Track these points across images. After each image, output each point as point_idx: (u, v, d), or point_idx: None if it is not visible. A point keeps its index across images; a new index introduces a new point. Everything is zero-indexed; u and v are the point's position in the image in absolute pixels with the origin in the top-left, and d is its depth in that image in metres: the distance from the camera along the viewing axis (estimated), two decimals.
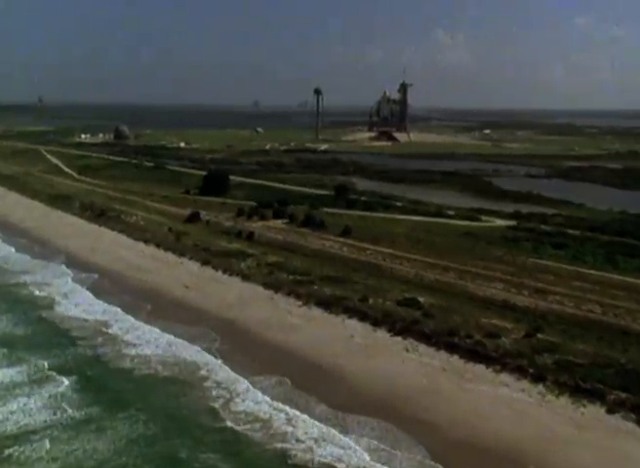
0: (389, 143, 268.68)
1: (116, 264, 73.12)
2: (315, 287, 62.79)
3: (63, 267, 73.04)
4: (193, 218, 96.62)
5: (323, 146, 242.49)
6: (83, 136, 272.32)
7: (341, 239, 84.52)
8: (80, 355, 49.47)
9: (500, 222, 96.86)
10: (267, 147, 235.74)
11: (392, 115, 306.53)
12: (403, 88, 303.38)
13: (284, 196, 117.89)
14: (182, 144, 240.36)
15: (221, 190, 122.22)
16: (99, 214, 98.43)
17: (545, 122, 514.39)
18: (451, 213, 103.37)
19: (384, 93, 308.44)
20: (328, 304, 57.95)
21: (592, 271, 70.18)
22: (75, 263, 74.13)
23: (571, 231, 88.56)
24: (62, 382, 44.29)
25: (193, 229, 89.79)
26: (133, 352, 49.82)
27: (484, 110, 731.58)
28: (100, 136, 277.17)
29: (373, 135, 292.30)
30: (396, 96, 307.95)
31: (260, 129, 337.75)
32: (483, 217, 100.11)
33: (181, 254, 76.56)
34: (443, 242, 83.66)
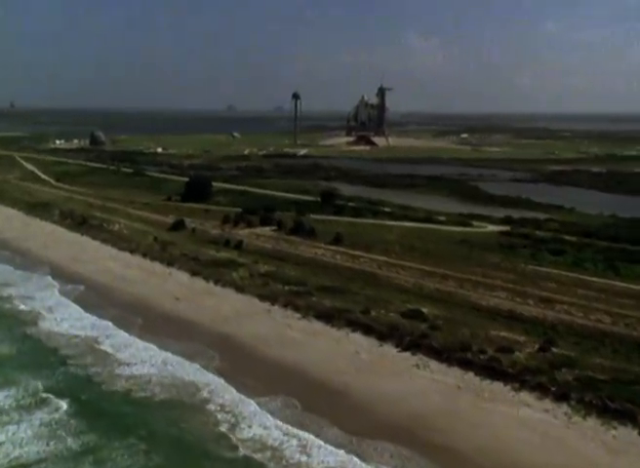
0: (368, 148, 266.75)
1: (102, 275, 69.99)
2: (314, 298, 60.21)
3: (49, 278, 69.73)
4: (178, 226, 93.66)
5: (302, 151, 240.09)
6: (58, 141, 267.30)
7: (333, 247, 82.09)
8: (71, 376, 46.34)
9: (492, 228, 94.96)
10: (246, 152, 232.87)
11: (370, 120, 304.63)
12: (381, 92, 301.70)
13: (268, 202, 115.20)
14: (160, 150, 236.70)
15: (204, 196, 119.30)
16: (80, 223, 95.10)
17: (521, 126, 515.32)
18: (441, 218, 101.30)
19: (362, 97, 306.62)
20: (329, 317, 55.38)
21: (595, 278, 68.44)
22: (60, 275, 70.89)
23: (567, 237, 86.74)
24: (54, 407, 41.20)
25: (179, 238, 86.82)
26: (127, 372, 46.81)
27: (458, 114, 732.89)
28: (76, 141, 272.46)
29: (351, 139, 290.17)
30: (374, 100, 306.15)
31: (236, 134, 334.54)
32: (474, 223, 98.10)
33: (169, 265, 73.64)
34: (437, 249, 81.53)
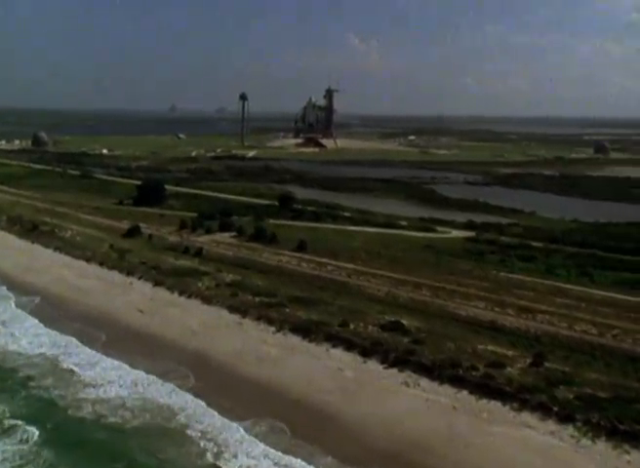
0: (316, 150, 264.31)
1: (58, 286, 66.04)
2: (287, 310, 57.30)
3: (3, 289, 65.31)
4: (134, 233, 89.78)
5: (251, 153, 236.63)
6: None
7: (297, 254, 79.40)
8: (34, 400, 42.59)
9: (456, 233, 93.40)
10: (193, 154, 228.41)
11: (318, 121, 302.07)
12: (329, 94, 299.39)
13: (224, 206, 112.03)
14: (105, 151, 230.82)
15: (157, 200, 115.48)
16: (30, 229, 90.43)
17: (466, 128, 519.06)
18: (403, 223, 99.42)
19: (310, 99, 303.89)
20: (305, 331, 52.51)
21: (570, 286, 67.24)
22: (12, 285, 66.64)
23: (534, 243, 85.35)
24: (15, 437, 37.45)
25: (135, 245, 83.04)
26: (94, 394, 43.33)
27: (402, 117, 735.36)
28: (17, 142, 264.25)
29: (299, 141, 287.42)
30: (322, 102, 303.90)
31: (182, 135, 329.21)
32: (437, 228, 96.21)
33: (129, 274, 69.89)
34: (404, 256, 79.47)
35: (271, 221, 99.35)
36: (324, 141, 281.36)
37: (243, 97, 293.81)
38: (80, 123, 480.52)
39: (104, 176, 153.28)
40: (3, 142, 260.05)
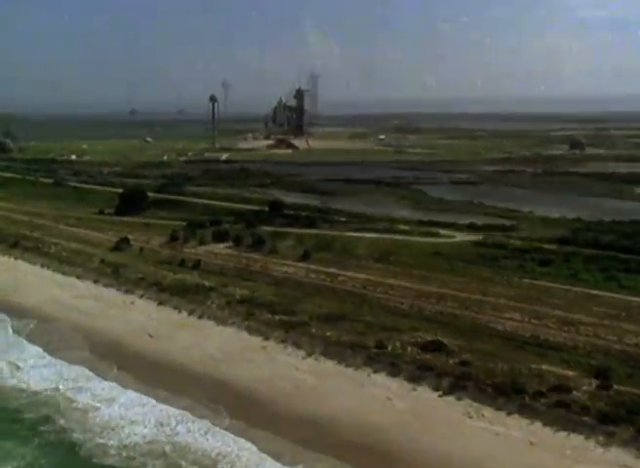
0: (289, 151, 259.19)
1: (53, 307, 60.71)
2: (312, 330, 52.57)
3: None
4: (123, 245, 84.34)
5: (224, 156, 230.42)
6: None
7: (301, 264, 74.90)
8: (50, 449, 37.36)
9: (461, 237, 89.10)
10: (165, 158, 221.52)
11: (289, 122, 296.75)
12: (299, 94, 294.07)
13: (211, 214, 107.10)
14: (74, 157, 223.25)
15: (140, 209, 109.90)
16: (12, 245, 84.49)
17: (431, 126, 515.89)
18: (405, 228, 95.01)
19: (280, 99, 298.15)
20: (340, 354, 47.74)
21: (599, 292, 63.46)
22: (3, 307, 61.00)
23: (546, 245, 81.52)
24: None
25: (128, 259, 77.81)
26: (118, 438, 38.23)
27: (367, 114, 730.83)
28: None
29: (270, 142, 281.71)
30: (292, 102, 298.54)
31: (149, 138, 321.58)
32: (440, 232, 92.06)
33: (128, 292, 64.84)
34: (415, 263, 75.24)
35: (264, 228, 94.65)
36: (295, 142, 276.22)
37: (213, 99, 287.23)
38: (36, 127, 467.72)
39: (78, 184, 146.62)
40: None
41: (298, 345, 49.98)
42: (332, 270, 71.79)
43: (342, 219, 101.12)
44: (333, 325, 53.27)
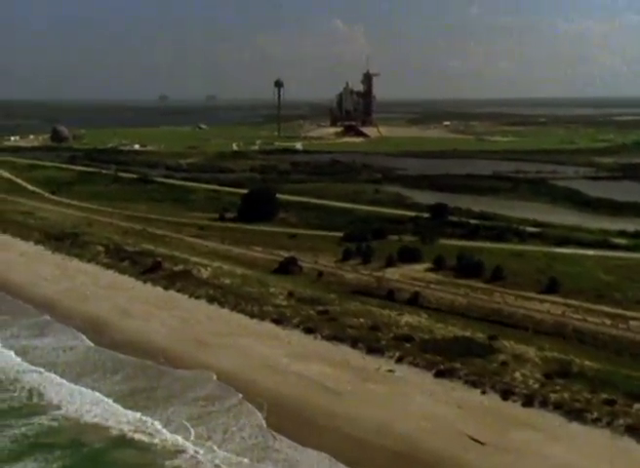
0: (360, 139, 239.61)
1: (288, 383, 41.63)
2: None
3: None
4: (290, 267, 65.62)
5: (298, 145, 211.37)
6: (12, 138, 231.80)
7: (555, 298, 55.96)
8: None
9: None
10: (235, 148, 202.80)
11: (355, 109, 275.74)
12: (367, 78, 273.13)
13: (349, 219, 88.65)
14: (137, 147, 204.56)
15: (268, 213, 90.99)
16: (149, 268, 65.59)
17: (482, 111, 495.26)
18: (618, 241, 75.81)
19: (347, 84, 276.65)
20: None
21: None
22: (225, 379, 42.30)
23: None
24: None
25: (313, 289, 59.28)
26: None
27: (403, 101, 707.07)
28: (32, 137, 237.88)
29: (337, 130, 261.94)
30: (360, 87, 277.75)
31: (203, 125, 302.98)
32: None
33: (372, 351, 45.55)
34: None
35: (442, 242, 76.09)
36: (365, 130, 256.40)
37: (279, 84, 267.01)
38: (76, 115, 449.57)
39: (167, 180, 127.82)
40: (17, 138, 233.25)
41: None
42: (596, 307, 53.04)
43: (534, 231, 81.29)
44: None
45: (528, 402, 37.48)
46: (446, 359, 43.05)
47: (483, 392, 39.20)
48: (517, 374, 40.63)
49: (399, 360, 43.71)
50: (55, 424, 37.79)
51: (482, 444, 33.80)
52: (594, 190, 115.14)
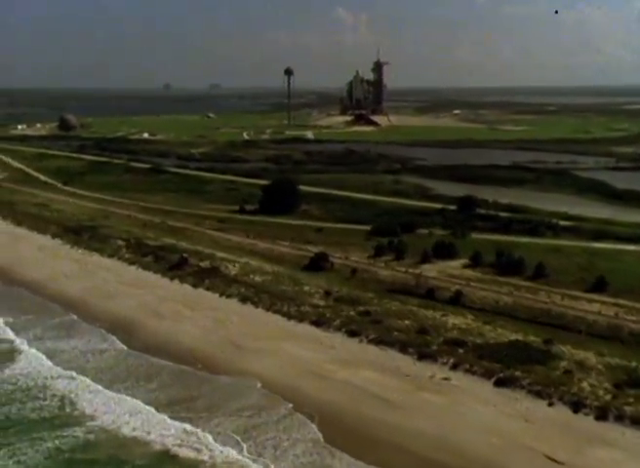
0: (371, 128, 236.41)
1: (345, 393, 38.85)
2: None
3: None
4: (319, 263, 62.85)
5: (309, 134, 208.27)
6: (20, 126, 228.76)
7: (604, 297, 53.17)
8: None
9: None
10: (246, 137, 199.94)
11: (366, 98, 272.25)
12: (378, 67, 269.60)
13: (373, 211, 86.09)
14: (146, 135, 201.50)
15: (290, 205, 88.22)
16: (175, 264, 62.84)
17: (489, 100, 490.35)
18: None
19: (357, 73, 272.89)
20: None
21: None
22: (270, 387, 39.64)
23: None
24: None
25: (349, 287, 56.53)
26: None
27: (407, 89, 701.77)
28: (39, 126, 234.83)
29: (347, 119, 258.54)
30: (370, 76, 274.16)
31: (211, 114, 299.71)
32: None
33: (423, 357, 42.78)
34: None
35: (474, 236, 73.41)
36: (376, 119, 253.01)
37: (288, 72, 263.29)
38: (81, 103, 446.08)
39: (180, 170, 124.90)
40: (24, 126, 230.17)
41: None
42: None
43: (566, 224, 78.49)
44: None
45: (601, 415, 34.66)
46: (504, 366, 40.28)
47: (550, 404, 36.34)
48: (585, 384, 37.80)
49: (454, 367, 40.91)
50: (91, 437, 35.00)
51: (560, 463, 31.06)
52: (619, 181, 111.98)
